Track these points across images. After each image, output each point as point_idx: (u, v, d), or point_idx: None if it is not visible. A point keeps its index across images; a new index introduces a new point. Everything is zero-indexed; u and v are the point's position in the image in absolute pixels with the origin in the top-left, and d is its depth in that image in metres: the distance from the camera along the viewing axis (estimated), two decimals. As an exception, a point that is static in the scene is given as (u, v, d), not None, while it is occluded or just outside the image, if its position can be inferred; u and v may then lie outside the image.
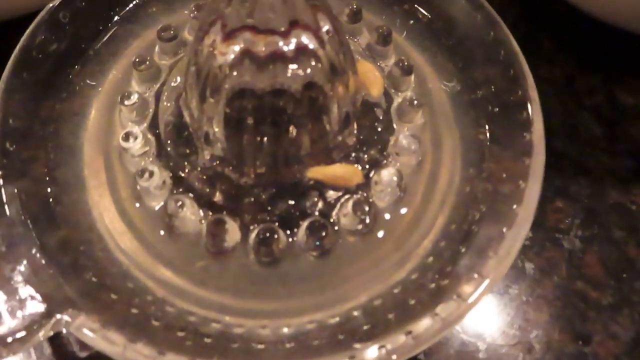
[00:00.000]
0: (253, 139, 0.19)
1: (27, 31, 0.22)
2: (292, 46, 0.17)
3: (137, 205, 0.21)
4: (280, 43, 0.17)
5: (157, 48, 0.24)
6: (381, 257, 0.20)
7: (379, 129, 0.22)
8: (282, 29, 0.17)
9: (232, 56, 0.18)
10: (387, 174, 0.21)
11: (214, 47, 0.18)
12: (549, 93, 0.30)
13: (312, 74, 0.18)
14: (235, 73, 0.18)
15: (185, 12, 0.25)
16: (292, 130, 0.19)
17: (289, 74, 0.18)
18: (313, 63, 0.18)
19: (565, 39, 0.32)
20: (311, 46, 0.18)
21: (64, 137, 0.22)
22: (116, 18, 0.24)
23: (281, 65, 0.18)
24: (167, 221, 0.20)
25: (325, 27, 0.18)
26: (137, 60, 0.23)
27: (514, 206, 0.20)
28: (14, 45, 0.22)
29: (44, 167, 0.21)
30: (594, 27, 0.31)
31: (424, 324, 0.17)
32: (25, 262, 0.18)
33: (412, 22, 0.25)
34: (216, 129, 0.20)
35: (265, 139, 0.19)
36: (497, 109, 0.23)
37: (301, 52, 0.18)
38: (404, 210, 0.21)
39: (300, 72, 0.18)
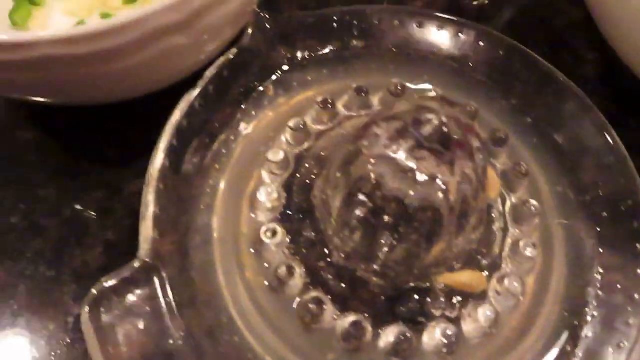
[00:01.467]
0: (389, 244, 0.20)
1: (168, 128, 0.23)
2: (449, 167, 0.18)
3: (272, 295, 0.21)
4: (439, 165, 0.18)
5: (283, 137, 0.25)
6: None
7: (496, 232, 0.23)
8: (442, 149, 0.18)
9: (389, 169, 0.19)
10: (509, 282, 0.22)
11: (371, 156, 0.19)
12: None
13: (463, 194, 0.19)
14: (389, 183, 0.19)
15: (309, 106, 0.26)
16: (433, 240, 0.20)
17: (441, 196, 0.19)
18: (466, 186, 0.19)
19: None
20: (467, 170, 0.19)
21: (199, 223, 0.23)
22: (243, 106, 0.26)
23: (436, 186, 0.19)
24: (302, 316, 0.21)
25: (476, 145, 0.19)
26: (268, 156, 0.24)
27: (630, 320, 0.21)
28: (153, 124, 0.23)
29: (183, 254, 0.22)
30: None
31: None
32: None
33: (521, 121, 0.27)
34: (354, 235, 0.20)
35: (402, 244, 0.20)
36: (606, 215, 0.24)
37: (457, 175, 0.19)
38: (519, 314, 0.22)
39: (454, 196, 0.19)
